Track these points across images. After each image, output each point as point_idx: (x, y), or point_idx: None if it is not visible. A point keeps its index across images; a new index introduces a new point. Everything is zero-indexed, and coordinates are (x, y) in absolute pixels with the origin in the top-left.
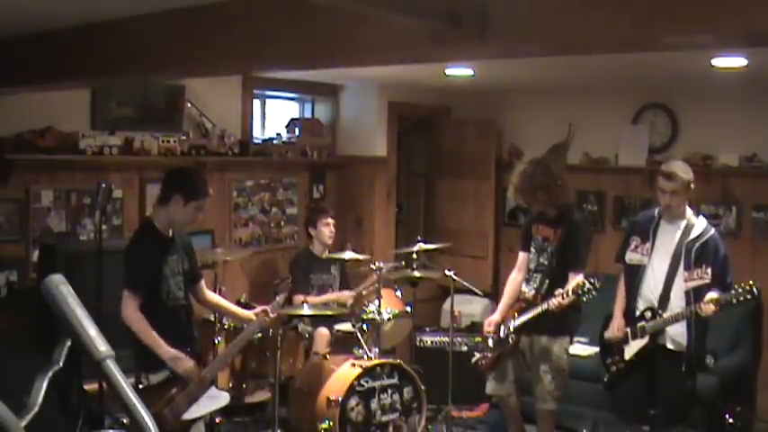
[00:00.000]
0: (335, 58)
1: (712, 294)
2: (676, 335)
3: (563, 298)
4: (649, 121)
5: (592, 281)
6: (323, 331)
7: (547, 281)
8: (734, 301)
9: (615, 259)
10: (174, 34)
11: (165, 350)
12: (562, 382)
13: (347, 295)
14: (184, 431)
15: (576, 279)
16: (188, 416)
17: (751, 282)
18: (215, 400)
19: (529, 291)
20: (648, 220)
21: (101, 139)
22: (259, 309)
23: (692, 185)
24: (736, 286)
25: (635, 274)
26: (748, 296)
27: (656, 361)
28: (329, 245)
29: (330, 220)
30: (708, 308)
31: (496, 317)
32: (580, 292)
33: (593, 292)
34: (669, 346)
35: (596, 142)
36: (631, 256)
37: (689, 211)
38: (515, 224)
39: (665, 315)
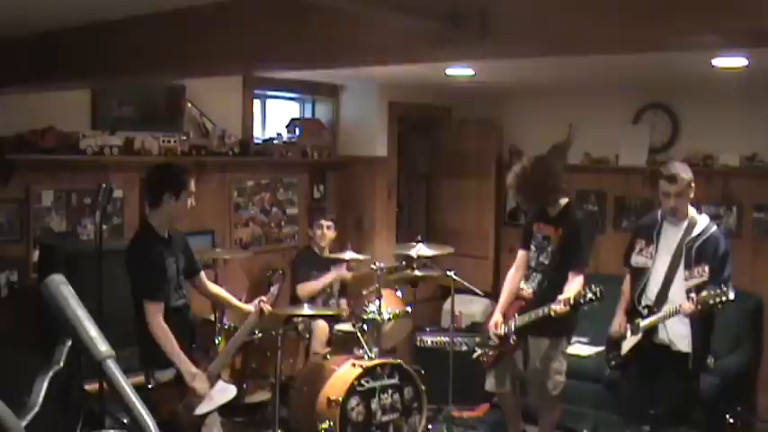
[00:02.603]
0: (336, 59)
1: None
2: (681, 335)
3: (564, 305)
4: (650, 121)
5: (594, 290)
6: (321, 324)
7: (546, 281)
8: (710, 301)
9: (623, 263)
10: (174, 34)
11: (188, 367)
12: (560, 383)
13: (346, 274)
14: (198, 426)
15: (575, 279)
16: (200, 411)
17: (726, 289)
18: (224, 392)
19: (527, 289)
20: (652, 222)
21: (101, 139)
22: (257, 300)
23: (693, 184)
24: (719, 288)
25: (640, 277)
26: (723, 298)
27: (658, 361)
28: (323, 247)
29: (324, 222)
30: (687, 306)
31: (498, 316)
32: (582, 300)
33: (595, 303)
34: (675, 347)
35: (597, 142)
36: (636, 259)
37: (692, 210)
38: (516, 224)
39: (658, 314)
